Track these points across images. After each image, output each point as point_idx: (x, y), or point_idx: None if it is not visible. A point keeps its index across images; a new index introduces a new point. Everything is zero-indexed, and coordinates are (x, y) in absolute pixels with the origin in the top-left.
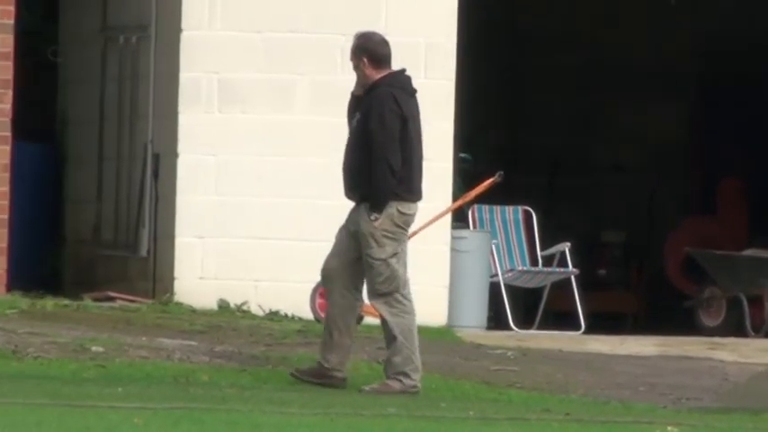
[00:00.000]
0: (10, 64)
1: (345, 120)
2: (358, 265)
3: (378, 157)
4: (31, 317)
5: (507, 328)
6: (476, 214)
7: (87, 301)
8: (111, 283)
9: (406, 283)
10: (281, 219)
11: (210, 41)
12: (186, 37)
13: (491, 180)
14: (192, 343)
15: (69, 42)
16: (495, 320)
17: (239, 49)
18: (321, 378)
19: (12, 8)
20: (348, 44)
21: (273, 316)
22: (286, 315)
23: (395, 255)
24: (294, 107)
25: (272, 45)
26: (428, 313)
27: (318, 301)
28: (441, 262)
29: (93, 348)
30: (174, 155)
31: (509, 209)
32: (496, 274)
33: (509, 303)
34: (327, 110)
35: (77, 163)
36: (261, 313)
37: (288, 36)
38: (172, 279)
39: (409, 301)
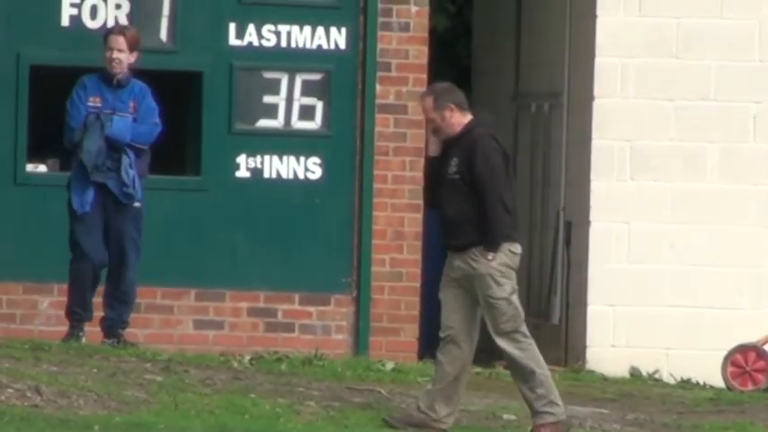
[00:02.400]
0: (422, 132)
1: (745, 187)
2: (474, 313)
3: (491, 199)
4: None
5: None
6: None
7: (499, 369)
8: None
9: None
10: (693, 286)
11: (623, 109)
12: (598, 105)
13: None
14: (604, 411)
15: (481, 109)
16: None
17: (651, 116)
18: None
19: (424, 76)
20: (760, 111)
21: (685, 384)
22: (698, 383)
23: (514, 292)
24: (705, 175)
25: (684, 113)
26: None
27: (730, 369)
28: None
29: (505, 416)
30: (587, 222)
31: None
32: None
33: None
34: (738, 178)
35: None
36: (672, 381)
37: (699, 104)
38: (584, 347)
39: (529, 336)
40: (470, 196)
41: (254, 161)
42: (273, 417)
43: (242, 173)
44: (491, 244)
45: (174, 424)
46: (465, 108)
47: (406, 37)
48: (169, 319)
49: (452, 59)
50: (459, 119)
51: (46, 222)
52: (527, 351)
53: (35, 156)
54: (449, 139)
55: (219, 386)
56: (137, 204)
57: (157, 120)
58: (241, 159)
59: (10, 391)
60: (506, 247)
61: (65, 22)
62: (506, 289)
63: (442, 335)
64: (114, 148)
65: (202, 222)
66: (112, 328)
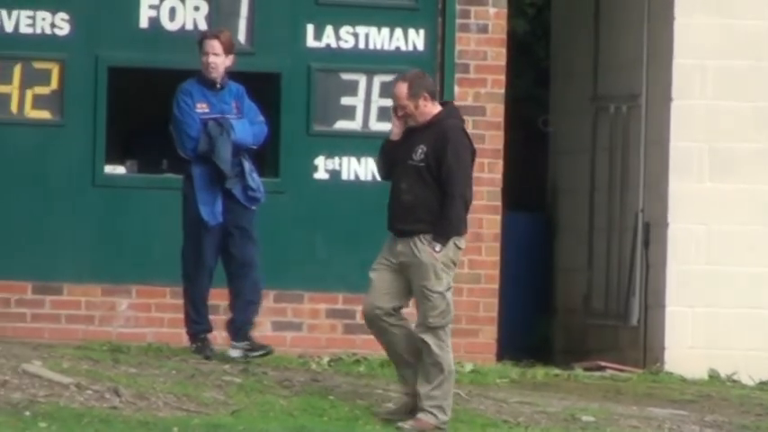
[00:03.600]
0: (501, 134)
1: None
2: (404, 298)
3: (455, 194)
4: (521, 386)
5: None
6: None
7: (578, 371)
8: (602, 352)
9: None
10: None
11: (701, 110)
12: (677, 106)
13: None
14: (683, 413)
15: (559, 112)
16: None
17: (730, 118)
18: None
19: (503, 77)
20: None
21: (764, 386)
22: None
23: (450, 288)
24: None
25: (763, 114)
26: None
27: None
28: None
29: (584, 418)
30: (665, 224)
31: None
32: None
33: None
34: None
35: (568, 232)
36: (751, 383)
37: None
38: (662, 348)
39: (450, 337)
40: (431, 185)
41: (333, 163)
42: (352, 419)
43: (320, 174)
44: (442, 237)
45: (253, 426)
46: (436, 97)
47: (484, 38)
48: None
49: (531, 62)
50: (431, 108)
51: (124, 224)
52: (445, 351)
53: (113, 157)
54: (415, 126)
55: (298, 388)
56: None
57: (262, 117)
58: (319, 161)
59: (89, 392)
60: (454, 240)
61: (143, 23)
62: (443, 283)
63: (369, 314)
64: (235, 152)
65: (280, 224)
66: (241, 330)
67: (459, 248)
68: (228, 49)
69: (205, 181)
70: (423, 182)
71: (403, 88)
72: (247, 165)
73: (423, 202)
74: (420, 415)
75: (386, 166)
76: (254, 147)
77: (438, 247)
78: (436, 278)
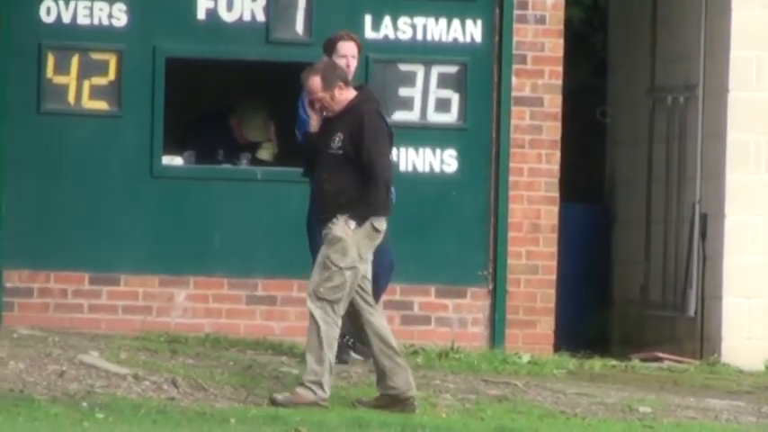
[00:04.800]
0: (558, 125)
1: None
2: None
3: (378, 178)
4: (579, 377)
5: None
6: None
7: (635, 362)
8: (659, 343)
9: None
10: None
11: (758, 102)
12: (734, 98)
13: None
14: (740, 404)
15: (617, 103)
16: None
17: None
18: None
19: (560, 68)
20: None
21: None
22: None
23: (353, 271)
24: None
25: None
26: None
27: None
28: None
29: (641, 409)
30: (722, 215)
31: None
32: None
33: None
34: None
35: (625, 224)
36: None
37: None
38: (719, 339)
39: (339, 318)
40: (351, 172)
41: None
42: None
43: None
44: (358, 217)
45: (311, 417)
46: (349, 83)
47: (541, 29)
48: (305, 311)
49: (588, 52)
50: (347, 94)
51: (182, 215)
52: (330, 327)
53: (171, 148)
54: (332, 115)
55: (356, 379)
56: None
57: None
58: None
59: (146, 383)
60: (372, 221)
61: (201, 14)
62: (347, 260)
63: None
64: None
65: None
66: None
67: (378, 231)
68: (360, 50)
69: None
70: (342, 169)
71: (317, 81)
72: None
73: (343, 189)
74: (299, 388)
75: (308, 161)
76: None
77: (353, 225)
78: (342, 253)
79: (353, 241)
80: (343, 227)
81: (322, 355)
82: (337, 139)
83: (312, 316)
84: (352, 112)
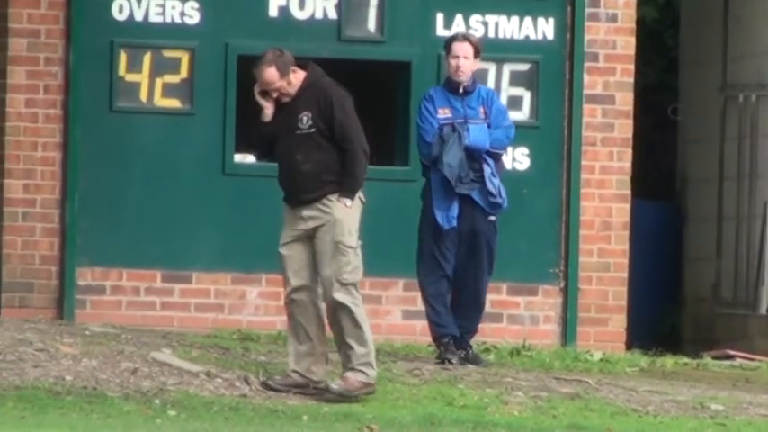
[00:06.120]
0: (630, 122)
1: None
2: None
3: (355, 147)
4: (651, 374)
5: None
6: None
7: (707, 359)
8: (731, 340)
9: None
10: None
11: None
12: None
13: None
14: None
15: (689, 100)
16: None
17: None
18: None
19: (632, 66)
20: None
21: None
22: None
23: (359, 244)
24: None
25: None
26: None
27: None
28: None
29: (713, 407)
30: None
31: None
32: None
33: None
34: None
35: (697, 221)
36: None
37: None
38: None
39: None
40: (326, 148)
41: None
42: (482, 407)
43: None
44: (350, 191)
45: (382, 414)
46: (298, 65)
47: (613, 27)
48: (377, 309)
49: (660, 50)
50: (299, 76)
51: (254, 212)
52: (359, 307)
53: (243, 146)
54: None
55: (427, 376)
56: (491, 218)
57: (510, 122)
58: None
59: (219, 380)
60: (359, 194)
61: (273, 12)
62: (355, 238)
63: (295, 295)
64: (473, 157)
65: (411, 212)
66: (464, 336)
67: (363, 202)
68: (477, 52)
69: (441, 185)
70: (317, 147)
71: (273, 72)
72: (488, 170)
73: (324, 166)
74: (348, 374)
75: (266, 147)
76: (495, 151)
77: (348, 202)
78: (349, 233)
79: (353, 217)
80: (340, 208)
81: (363, 335)
82: (305, 118)
83: (340, 304)
84: (312, 89)
